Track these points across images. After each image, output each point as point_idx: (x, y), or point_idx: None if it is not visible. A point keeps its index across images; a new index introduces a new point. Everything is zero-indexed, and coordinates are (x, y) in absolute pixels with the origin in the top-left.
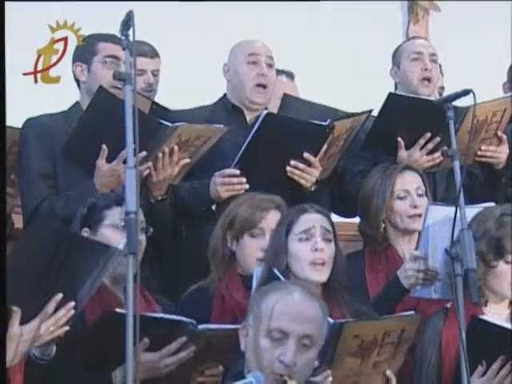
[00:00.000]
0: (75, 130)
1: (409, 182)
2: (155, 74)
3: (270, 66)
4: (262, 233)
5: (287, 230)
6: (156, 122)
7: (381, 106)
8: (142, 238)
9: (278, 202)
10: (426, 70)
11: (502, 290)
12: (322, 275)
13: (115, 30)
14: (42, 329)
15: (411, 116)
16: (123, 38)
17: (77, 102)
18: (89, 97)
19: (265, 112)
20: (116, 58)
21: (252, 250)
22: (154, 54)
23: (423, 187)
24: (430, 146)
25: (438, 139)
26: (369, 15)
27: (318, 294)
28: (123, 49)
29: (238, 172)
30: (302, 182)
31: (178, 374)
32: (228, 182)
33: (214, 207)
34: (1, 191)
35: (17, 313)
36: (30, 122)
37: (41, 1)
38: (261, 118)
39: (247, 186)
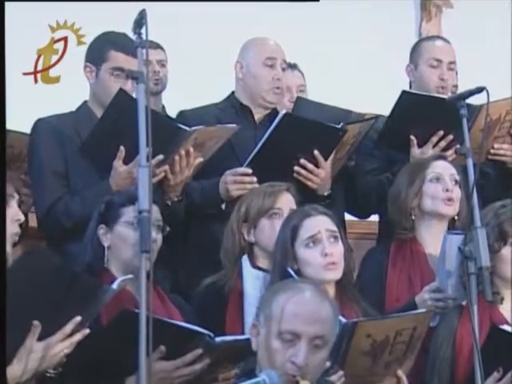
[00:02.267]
0: (94, 129)
1: (441, 167)
2: (162, 63)
3: (283, 69)
4: (279, 213)
5: (292, 236)
6: (174, 126)
7: (394, 103)
8: (158, 236)
9: (287, 185)
10: (442, 80)
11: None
12: (335, 273)
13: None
14: (56, 348)
15: (424, 114)
16: (136, 36)
17: (85, 102)
18: (94, 100)
19: (283, 111)
20: (123, 70)
21: (272, 229)
22: (156, 46)
23: (457, 177)
24: (443, 143)
25: (450, 137)
26: (381, 13)
27: (332, 293)
28: (135, 47)
29: (250, 171)
30: (309, 183)
31: (190, 383)
32: (239, 181)
33: (223, 207)
34: (1, 191)
35: (36, 327)
36: (39, 123)
37: (41, 1)
38: (279, 118)
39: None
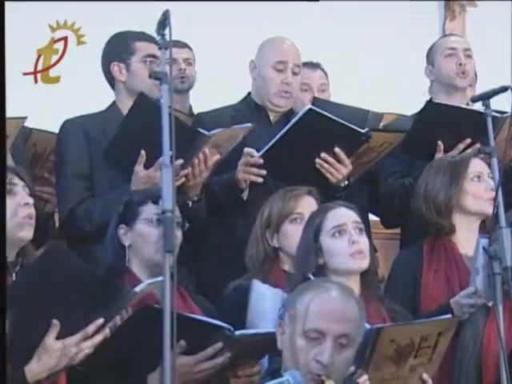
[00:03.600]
0: (116, 134)
1: (481, 165)
2: (189, 62)
3: (296, 73)
4: (300, 217)
5: (317, 230)
6: (194, 131)
7: (419, 112)
8: (178, 233)
9: (309, 188)
10: (460, 64)
11: None
12: (363, 263)
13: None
14: (77, 348)
15: (449, 123)
16: (159, 37)
17: (113, 102)
18: (129, 96)
19: (308, 106)
20: (154, 56)
21: (295, 234)
22: (183, 45)
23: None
24: (469, 151)
25: (477, 145)
26: (405, 12)
27: (357, 292)
28: (159, 48)
29: (255, 153)
30: (329, 176)
31: (212, 377)
32: (244, 163)
33: (244, 197)
34: (1, 191)
35: (55, 326)
36: (66, 123)
37: (41, 1)
38: (302, 112)
39: (264, 172)
